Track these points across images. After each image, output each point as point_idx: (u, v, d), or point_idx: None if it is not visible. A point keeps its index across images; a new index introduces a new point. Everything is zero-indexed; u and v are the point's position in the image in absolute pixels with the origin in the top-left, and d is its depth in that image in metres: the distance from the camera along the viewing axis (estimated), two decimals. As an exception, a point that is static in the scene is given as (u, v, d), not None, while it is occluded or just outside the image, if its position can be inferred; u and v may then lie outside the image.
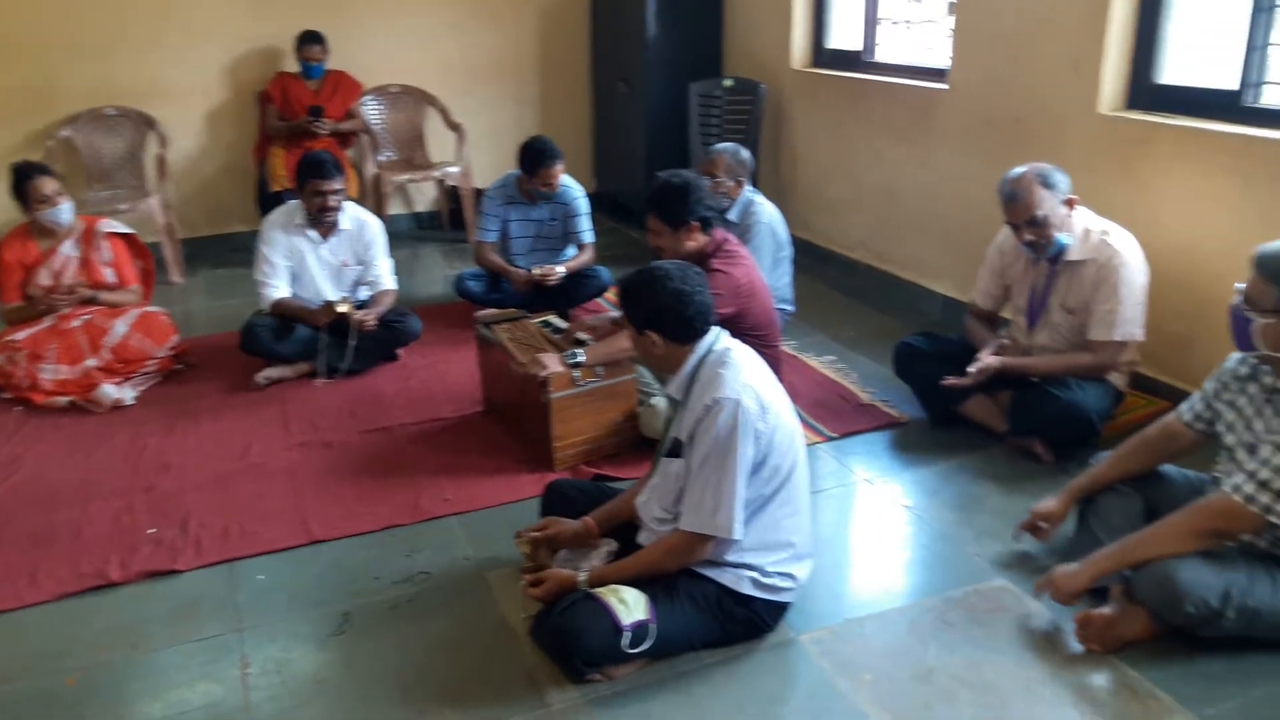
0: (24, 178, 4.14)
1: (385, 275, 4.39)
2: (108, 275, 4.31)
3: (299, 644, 2.57)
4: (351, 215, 4.32)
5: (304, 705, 2.35)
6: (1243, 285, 2.33)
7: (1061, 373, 3.28)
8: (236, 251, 5.88)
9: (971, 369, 3.31)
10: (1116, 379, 3.35)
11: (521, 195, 4.67)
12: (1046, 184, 3.20)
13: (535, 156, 4.50)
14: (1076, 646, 2.42)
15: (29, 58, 5.58)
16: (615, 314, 3.82)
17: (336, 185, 4.14)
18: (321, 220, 4.21)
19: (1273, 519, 2.20)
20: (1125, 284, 3.20)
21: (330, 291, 4.29)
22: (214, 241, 6.17)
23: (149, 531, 3.08)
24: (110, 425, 3.84)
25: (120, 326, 4.15)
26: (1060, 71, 3.94)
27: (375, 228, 4.38)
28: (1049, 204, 3.20)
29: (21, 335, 4.08)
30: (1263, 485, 2.21)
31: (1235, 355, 2.48)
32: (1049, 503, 2.75)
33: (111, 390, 4.00)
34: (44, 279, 4.20)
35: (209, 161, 6.15)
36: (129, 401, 4.01)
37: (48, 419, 3.89)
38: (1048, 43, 3.99)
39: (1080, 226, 3.28)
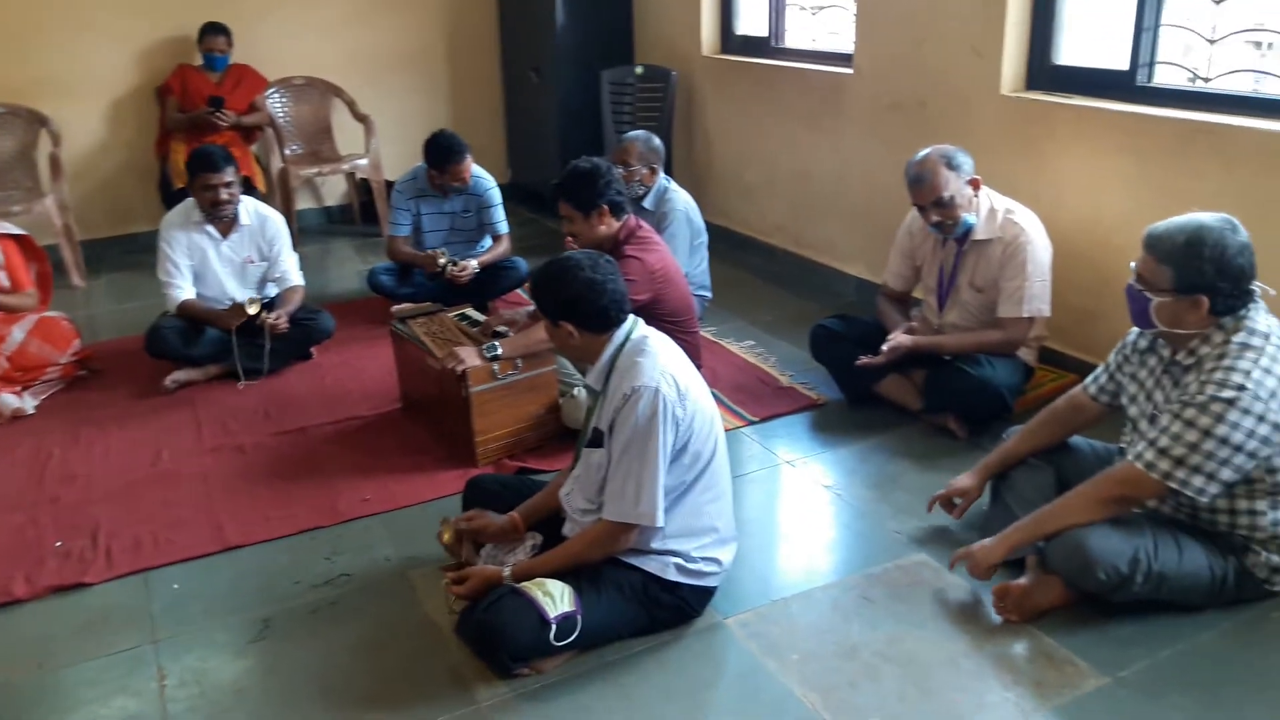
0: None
1: (292, 271, 4.29)
2: (1, 279, 4.13)
3: (217, 653, 2.51)
4: (251, 210, 4.20)
5: (224, 714, 2.30)
6: (1136, 265, 2.40)
7: (972, 350, 3.36)
8: (140, 252, 5.68)
9: (884, 348, 3.37)
10: (1026, 354, 3.45)
11: (432, 188, 4.60)
12: (951, 165, 3.26)
13: (442, 153, 4.44)
14: (995, 617, 2.48)
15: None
16: (532, 307, 3.80)
17: (226, 177, 4.00)
18: (218, 216, 4.08)
19: (1173, 485, 2.28)
20: (1031, 261, 3.28)
21: (236, 289, 4.18)
22: (116, 242, 5.96)
23: (56, 544, 2.97)
24: (10, 436, 3.69)
25: (17, 333, 3.98)
26: (962, 54, 4.02)
27: (277, 222, 4.26)
28: (954, 185, 3.26)
29: (-89, 345, 3.90)
30: (1162, 453, 2.29)
31: (1135, 329, 2.57)
32: (964, 479, 2.81)
33: (11, 399, 3.84)
34: (-65, 284, 4.02)
35: (108, 159, 5.93)
36: (30, 411, 3.86)
37: (-58, 432, 3.73)
38: (949, 26, 4.06)
39: (985, 206, 3.36)
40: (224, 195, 4.01)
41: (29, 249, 4.32)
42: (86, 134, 5.83)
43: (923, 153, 3.33)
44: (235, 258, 4.18)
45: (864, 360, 3.41)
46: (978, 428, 3.38)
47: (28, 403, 3.88)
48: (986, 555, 2.49)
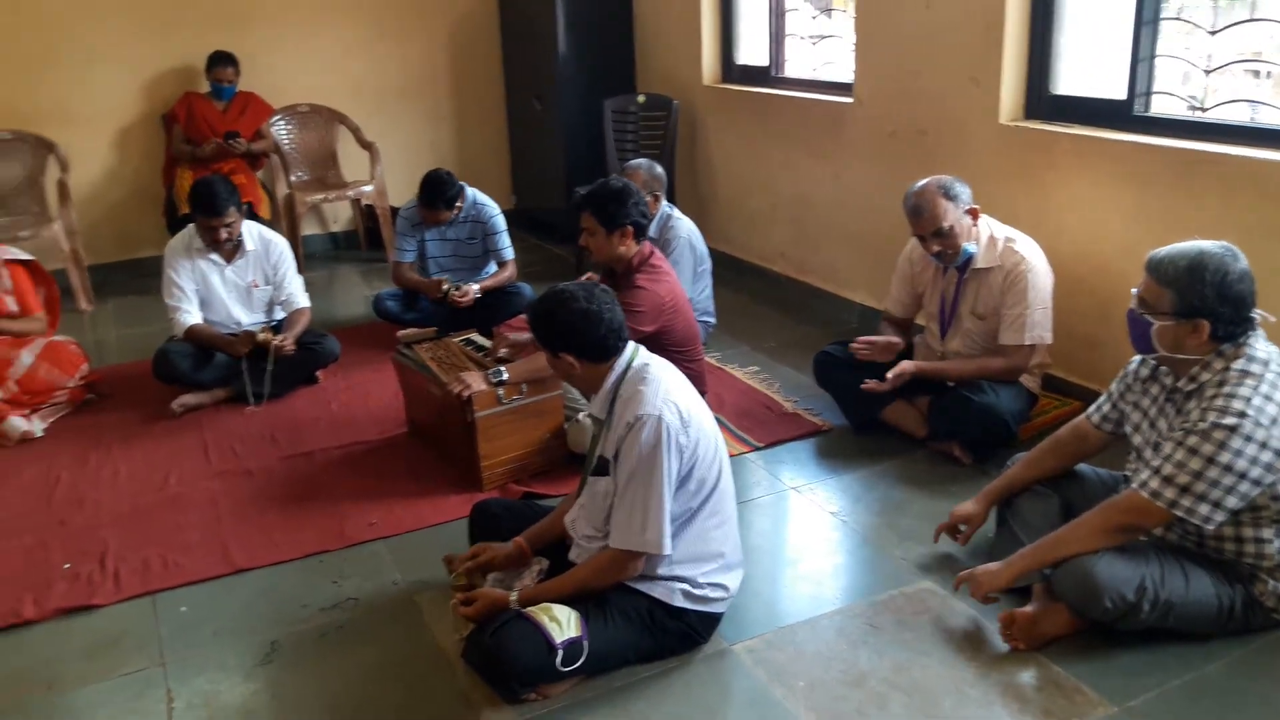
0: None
1: (298, 293, 4.32)
2: (9, 304, 4.16)
3: (225, 676, 2.52)
4: (255, 235, 4.23)
5: (232, 739, 2.31)
6: (1138, 290, 2.43)
7: (975, 376, 3.38)
8: (148, 277, 5.66)
9: (889, 375, 3.38)
10: (1029, 381, 3.47)
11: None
12: (949, 195, 3.30)
13: (427, 197, 4.50)
14: (1002, 645, 2.49)
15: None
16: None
17: (228, 220, 4.01)
18: (219, 247, 4.13)
19: (1179, 513, 2.29)
20: (1032, 289, 3.31)
21: (242, 313, 4.21)
22: (124, 267, 6.00)
23: (64, 567, 2.98)
24: (19, 459, 3.71)
25: (26, 357, 4.01)
26: (961, 83, 4.06)
27: (281, 246, 4.30)
28: (953, 215, 3.30)
29: (-79, 368, 3.92)
30: (1167, 480, 2.30)
31: (1137, 357, 2.59)
32: (968, 505, 2.83)
33: (19, 423, 3.86)
34: (-58, 309, 4.05)
35: (116, 185, 5.98)
36: (38, 434, 3.89)
37: (-48, 454, 3.76)
38: (947, 56, 4.11)
39: (985, 234, 3.39)
40: (223, 235, 4.04)
41: (37, 274, 4.35)
42: (94, 160, 5.88)
43: (920, 183, 3.36)
44: (240, 282, 4.21)
45: (869, 384, 3.42)
46: (982, 454, 3.39)
47: (36, 426, 3.91)
48: (991, 579, 2.50)
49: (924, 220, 3.32)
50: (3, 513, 3.32)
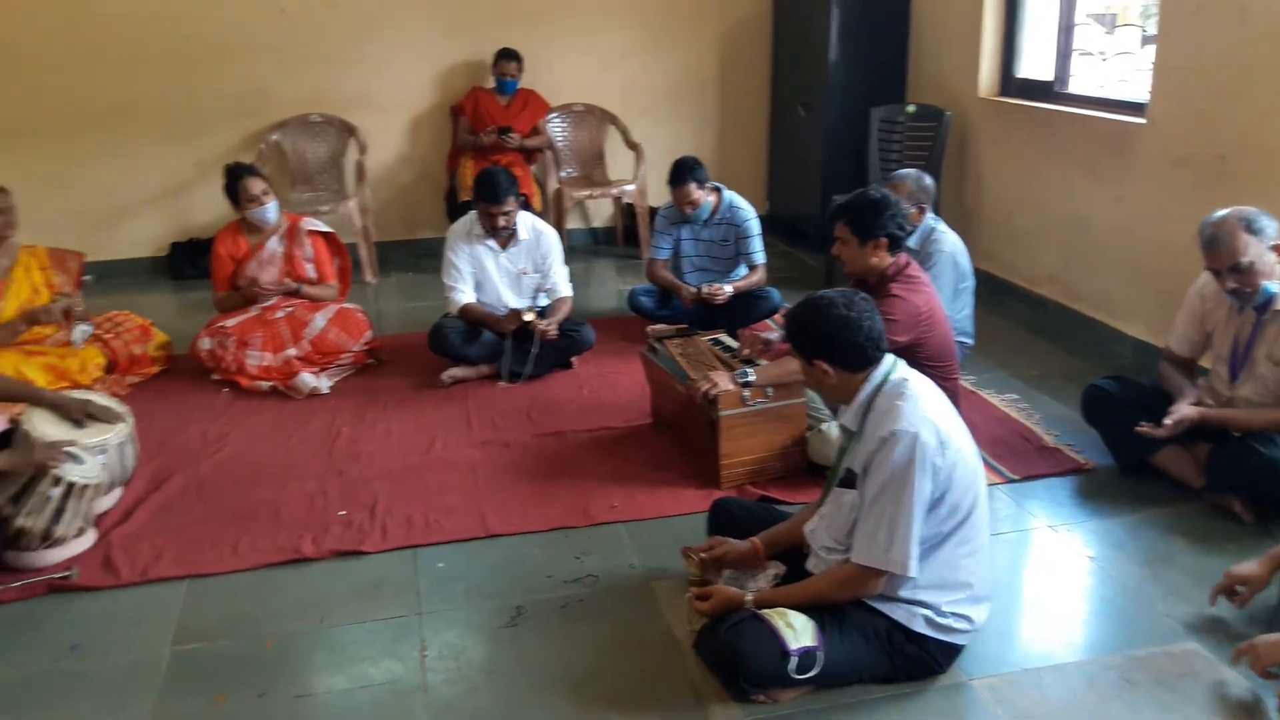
0: (235, 178, 4.47)
1: (562, 283, 4.53)
2: (309, 271, 4.59)
3: (473, 633, 2.68)
4: (529, 225, 4.47)
5: (476, 692, 2.45)
6: None
7: (1267, 428, 3.09)
8: (426, 256, 6.14)
9: (1168, 421, 3.14)
10: (1330, 439, 3.14)
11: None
12: (1252, 229, 3.02)
13: (675, 177, 4.63)
14: (1278, 720, 2.28)
15: (247, 67, 6.04)
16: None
17: (506, 208, 4.27)
18: (496, 234, 4.38)
19: None
20: (1345, 338, 3.00)
21: (511, 298, 4.46)
22: (406, 245, 6.48)
23: (340, 513, 3.26)
24: (307, 411, 4.09)
25: (319, 320, 4.42)
26: (1272, 108, 3.72)
27: (551, 237, 4.52)
28: (1255, 250, 3.02)
29: (231, 323, 4.40)
30: None
31: None
32: (1248, 566, 2.59)
33: (309, 379, 4.26)
34: (252, 271, 4.51)
35: (404, 169, 6.47)
36: (325, 390, 4.27)
37: (252, 401, 4.19)
38: (1261, 75, 3.77)
39: (1293, 274, 3.09)
40: (501, 222, 4.30)
41: (334, 245, 4.77)
42: (388, 145, 6.39)
43: (1221, 213, 3.10)
44: (511, 269, 4.46)
45: (1145, 428, 3.18)
46: (1267, 513, 3.10)
47: (323, 383, 4.30)
48: (1272, 651, 2.28)
49: (1221, 253, 3.06)
50: (291, 459, 3.67)
